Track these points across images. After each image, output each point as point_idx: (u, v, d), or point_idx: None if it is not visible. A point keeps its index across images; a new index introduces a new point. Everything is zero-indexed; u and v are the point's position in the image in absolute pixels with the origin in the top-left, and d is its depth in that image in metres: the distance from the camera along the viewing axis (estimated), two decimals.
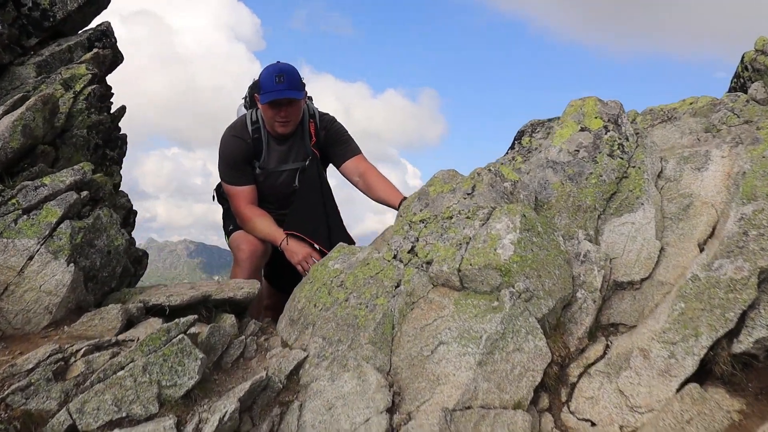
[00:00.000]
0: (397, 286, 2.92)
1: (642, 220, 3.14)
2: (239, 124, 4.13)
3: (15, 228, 2.92)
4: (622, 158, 3.40)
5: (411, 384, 2.57)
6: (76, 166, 3.14)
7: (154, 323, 2.96)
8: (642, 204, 3.20)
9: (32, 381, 2.38)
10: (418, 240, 3.08)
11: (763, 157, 3.06)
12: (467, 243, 2.89)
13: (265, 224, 3.99)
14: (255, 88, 4.26)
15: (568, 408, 2.59)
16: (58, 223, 3.00)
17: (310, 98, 4.47)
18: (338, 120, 4.33)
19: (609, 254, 3.07)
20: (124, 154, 4.79)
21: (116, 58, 4.35)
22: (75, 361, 2.52)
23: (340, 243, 3.43)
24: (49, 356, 2.48)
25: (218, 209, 4.60)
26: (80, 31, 4.34)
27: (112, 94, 4.39)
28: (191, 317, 2.69)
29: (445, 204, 3.15)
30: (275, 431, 2.54)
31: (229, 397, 2.51)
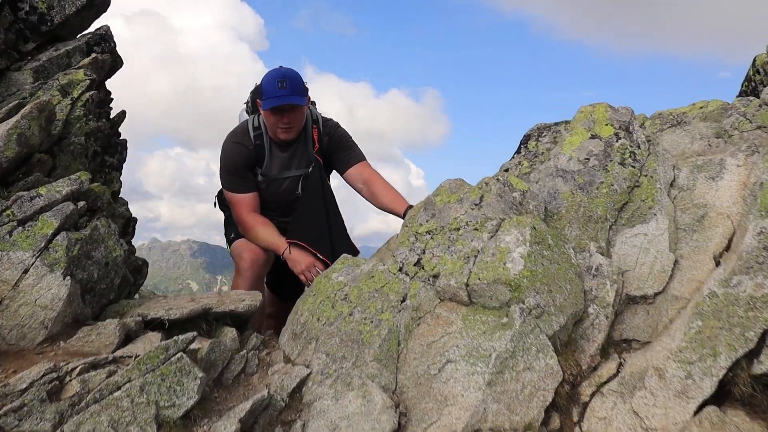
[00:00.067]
0: (403, 300, 2.83)
1: (655, 231, 3.05)
2: (241, 130, 4.04)
3: (10, 240, 2.83)
4: (633, 167, 3.30)
5: (418, 404, 2.48)
6: (72, 176, 3.05)
7: (153, 338, 2.88)
8: (655, 214, 3.11)
9: (26, 402, 2.29)
10: (424, 252, 2.99)
11: None
12: (475, 256, 2.80)
13: (267, 233, 3.91)
14: (257, 93, 4.17)
15: (580, 428, 2.50)
16: (54, 234, 2.91)
17: (314, 103, 4.39)
18: (342, 125, 4.25)
19: (621, 267, 2.98)
20: (124, 160, 4.71)
21: (116, 63, 4.27)
22: (70, 381, 2.43)
23: (344, 255, 3.34)
24: (43, 375, 2.39)
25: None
26: (79, 36, 4.25)
27: (112, 99, 4.30)
28: (190, 334, 2.60)
29: (452, 215, 3.06)
30: None
31: (230, 417, 2.43)
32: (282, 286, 4.56)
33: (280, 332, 3.30)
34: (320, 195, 3.98)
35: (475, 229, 2.92)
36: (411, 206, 3.82)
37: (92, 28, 4.29)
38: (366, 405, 2.47)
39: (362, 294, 2.95)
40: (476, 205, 3.04)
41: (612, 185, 3.22)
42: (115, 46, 4.27)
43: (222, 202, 4.36)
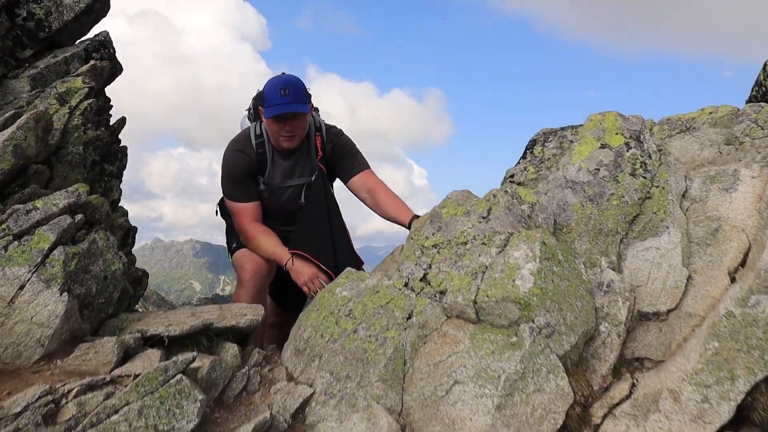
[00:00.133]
0: (409, 317, 2.76)
1: (667, 245, 2.97)
2: (242, 138, 3.97)
3: (5, 255, 2.76)
4: (644, 177, 3.22)
5: (424, 428, 2.41)
6: (70, 188, 2.98)
7: (152, 355, 2.80)
8: (667, 227, 3.03)
9: (20, 426, 2.22)
10: (430, 267, 2.91)
11: None
12: (483, 272, 2.73)
13: (269, 243, 3.83)
14: (259, 99, 4.10)
15: None
16: (51, 249, 2.84)
17: (316, 109, 4.31)
18: (345, 129, 4.17)
19: (633, 282, 2.90)
20: (125, 167, 4.63)
21: (115, 69, 4.19)
22: (66, 403, 2.36)
23: (348, 268, 3.26)
24: (38, 398, 2.32)
25: None
26: (77, 42, 4.17)
27: (111, 106, 4.23)
28: (190, 355, 2.53)
29: (459, 228, 2.98)
30: None
31: None
32: (285, 297, 4.49)
33: (283, 347, 3.22)
34: (323, 204, 3.91)
35: (483, 243, 2.85)
36: (416, 216, 3.74)
37: (91, 34, 4.21)
38: (371, 428, 2.40)
39: (367, 310, 2.88)
40: (484, 218, 2.97)
41: (623, 197, 3.14)
42: (114, 52, 4.18)
43: (224, 210, 4.29)
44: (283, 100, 3.64)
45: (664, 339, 2.72)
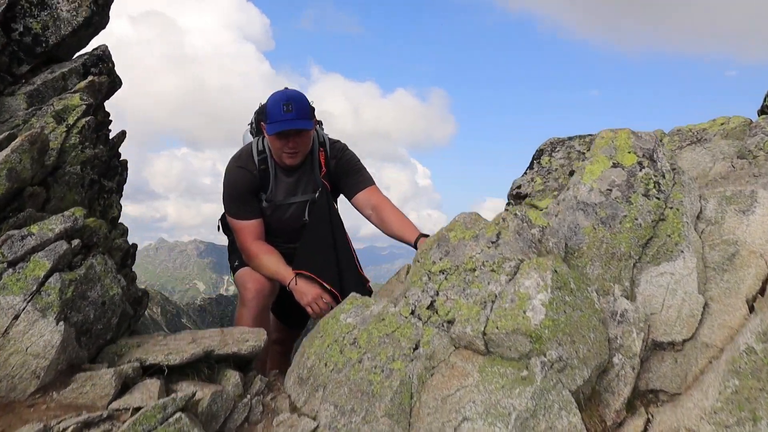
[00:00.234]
0: (416, 348, 2.67)
1: (682, 270, 2.87)
2: (245, 154, 3.88)
3: None
4: (658, 198, 3.12)
5: None
6: (66, 213, 2.89)
7: (151, 386, 2.72)
8: (682, 251, 2.93)
9: None
10: (437, 294, 2.82)
11: None
12: (493, 301, 2.63)
13: (272, 262, 3.75)
14: (261, 113, 4.01)
15: None
16: (47, 276, 2.75)
17: (320, 123, 4.22)
18: (349, 147, 4.08)
19: (646, 309, 2.81)
20: (125, 181, 4.55)
21: (114, 83, 4.09)
22: None
23: (353, 294, 3.18)
24: None
25: None
26: (75, 56, 4.08)
27: (110, 121, 4.15)
28: (189, 391, 2.45)
29: (468, 253, 2.88)
30: None
31: None
32: (288, 314, 4.41)
33: (286, 372, 3.14)
34: (327, 222, 3.82)
35: (492, 270, 2.75)
36: (422, 234, 3.65)
37: (90, 47, 4.12)
38: None
39: (372, 339, 2.79)
40: (493, 242, 2.87)
41: (636, 219, 3.04)
42: (113, 66, 4.09)
43: (226, 226, 4.21)
44: (286, 116, 3.55)
45: (680, 370, 2.63)
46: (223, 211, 4.12)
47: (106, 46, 4.10)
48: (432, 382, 2.55)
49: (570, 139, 5.60)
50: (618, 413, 2.49)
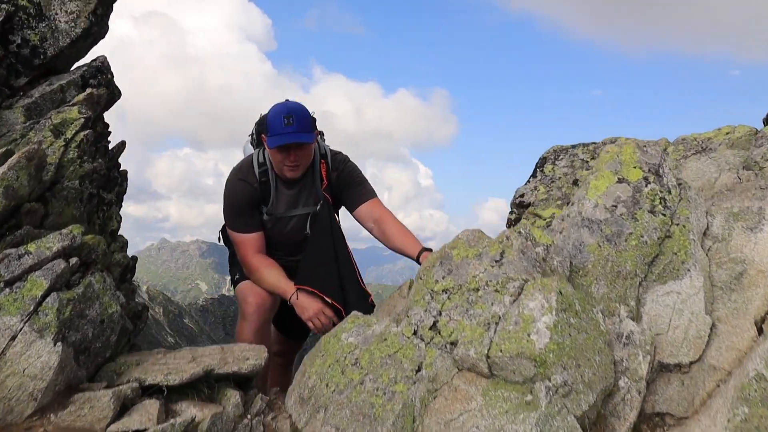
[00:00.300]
0: (418, 370, 2.62)
1: (689, 289, 2.83)
2: (245, 166, 3.84)
3: None
4: (664, 215, 3.08)
5: None
6: (64, 231, 2.85)
7: (150, 407, 2.68)
8: (688, 270, 2.89)
9: None
10: (440, 314, 2.78)
11: None
12: (496, 323, 2.59)
13: (273, 276, 3.71)
14: (262, 124, 3.97)
15: None
16: (44, 296, 2.72)
17: (321, 133, 4.18)
18: (351, 159, 4.04)
19: (653, 329, 2.77)
20: (125, 192, 4.52)
21: (113, 95, 4.05)
22: None
23: (354, 312, 3.14)
24: None
25: None
26: (74, 68, 4.04)
27: (110, 132, 4.11)
28: (189, 415, 2.41)
29: (471, 272, 2.84)
30: None
31: None
32: (289, 327, 4.38)
33: (287, 391, 3.10)
34: (329, 235, 3.78)
35: (496, 290, 2.71)
36: (424, 249, 3.62)
37: (89, 58, 4.08)
38: None
39: (374, 359, 2.75)
40: (497, 261, 2.83)
41: (642, 236, 3.00)
42: (112, 77, 4.04)
43: (227, 237, 4.17)
44: (287, 129, 3.51)
45: (687, 393, 2.59)
46: (224, 221, 4.09)
47: (105, 57, 4.06)
48: (435, 405, 2.51)
49: (573, 147, 5.56)
50: None
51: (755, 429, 2.18)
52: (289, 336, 4.47)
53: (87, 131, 3.38)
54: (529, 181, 5.50)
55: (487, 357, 2.50)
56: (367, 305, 3.67)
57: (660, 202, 3.11)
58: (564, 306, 2.55)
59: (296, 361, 4.48)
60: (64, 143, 3.27)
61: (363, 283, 3.79)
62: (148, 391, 2.81)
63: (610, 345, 2.61)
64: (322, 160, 3.90)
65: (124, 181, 4.47)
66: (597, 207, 3.14)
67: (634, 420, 2.48)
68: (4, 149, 2.93)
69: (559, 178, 5.26)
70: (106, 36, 4.28)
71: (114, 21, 4.35)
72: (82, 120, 3.38)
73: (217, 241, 4.24)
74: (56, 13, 3.85)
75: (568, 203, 4.97)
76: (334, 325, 3.57)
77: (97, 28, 4.02)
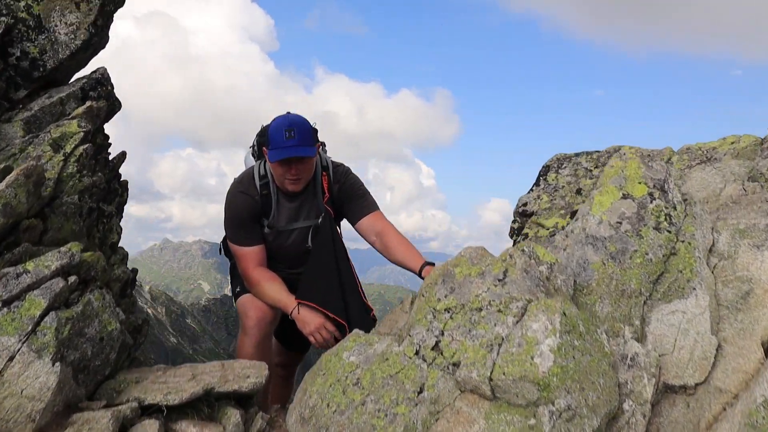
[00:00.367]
0: (420, 391, 2.59)
1: (694, 309, 2.80)
2: (246, 179, 3.82)
3: None
4: (669, 231, 3.04)
5: None
6: (63, 249, 2.83)
7: (150, 428, 2.66)
8: (694, 288, 2.85)
9: None
10: (443, 334, 2.75)
11: None
12: (499, 345, 2.56)
13: (274, 289, 3.68)
14: (263, 136, 3.94)
15: None
16: (43, 316, 2.69)
17: (323, 144, 4.15)
18: (353, 171, 4.01)
19: (657, 349, 2.73)
20: (125, 202, 4.50)
21: (113, 107, 4.02)
22: None
23: (356, 331, 3.11)
24: None
25: None
26: (74, 80, 4.01)
27: (110, 144, 4.08)
28: None
29: (474, 291, 2.81)
30: None
31: None
32: (290, 340, 4.35)
33: (288, 409, 3.08)
34: (331, 249, 3.75)
35: (499, 311, 2.68)
36: (427, 263, 3.59)
37: (89, 69, 4.05)
38: None
39: (375, 379, 2.72)
40: (500, 280, 2.80)
41: (647, 254, 2.96)
42: (112, 88, 4.01)
43: (228, 249, 4.14)
44: (288, 143, 3.48)
45: (693, 416, 2.55)
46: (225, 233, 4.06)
47: (105, 69, 4.03)
48: (437, 428, 2.48)
49: (577, 155, 5.52)
50: None
51: None
52: (291, 348, 4.44)
53: (86, 145, 3.35)
54: (532, 190, 5.47)
55: (490, 379, 2.48)
56: (369, 319, 3.64)
57: (665, 219, 3.08)
58: (568, 328, 2.52)
59: (297, 379, 4.45)
60: (63, 158, 3.24)
61: (365, 296, 3.76)
62: (147, 410, 2.79)
63: (615, 367, 2.58)
64: (324, 173, 3.87)
65: (125, 191, 4.45)
66: (601, 224, 3.10)
67: None
68: (2, 165, 2.91)
69: (563, 187, 5.22)
70: (108, 35, 4.25)
71: (116, 21, 4.32)
72: (82, 134, 3.35)
73: (219, 242, 4.21)
74: (56, 25, 3.82)
75: (571, 213, 4.94)
76: (336, 339, 3.54)
77: (97, 38, 3.99)
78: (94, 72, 4.03)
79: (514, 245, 5.32)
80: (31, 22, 3.74)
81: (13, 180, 2.76)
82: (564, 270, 2.92)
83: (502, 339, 2.58)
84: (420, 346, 2.76)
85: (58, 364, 2.64)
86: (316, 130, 3.76)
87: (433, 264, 3.57)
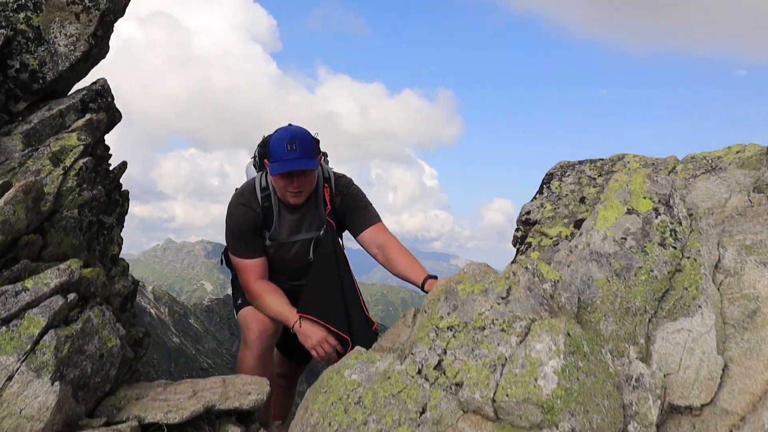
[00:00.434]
0: (423, 411, 2.56)
1: (700, 327, 2.76)
2: (248, 191, 3.79)
3: None
4: (675, 247, 3.01)
5: None
6: (62, 266, 2.81)
7: None
8: (699, 306, 2.82)
9: None
10: (445, 353, 2.71)
11: None
12: (503, 365, 2.53)
13: (276, 302, 3.66)
14: (264, 146, 3.92)
15: None
16: (42, 334, 2.67)
17: (325, 154, 4.13)
18: (355, 182, 3.98)
19: (663, 368, 2.70)
20: (126, 212, 4.47)
21: (113, 118, 3.99)
22: None
23: (357, 348, 3.08)
24: None
25: None
26: (73, 91, 3.98)
27: (110, 155, 4.06)
28: None
29: (477, 309, 2.78)
30: None
31: None
32: (292, 355, 4.33)
33: (289, 426, 3.05)
34: (333, 261, 3.73)
35: (502, 330, 2.65)
36: (429, 276, 3.56)
37: (89, 80, 4.02)
38: None
39: (377, 398, 2.69)
40: (503, 298, 2.77)
41: (652, 271, 2.93)
42: (112, 100, 3.98)
43: (229, 260, 4.12)
44: (290, 156, 3.45)
45: None
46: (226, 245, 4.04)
47: (105, 80, 4.00)
48: None
49: (580, 163, 5.48)
50: None
51: None
52: (293, 359, 4.42)
53: (86, 158, 3.32)
54: (535, 198, 5.43)
55: (493, 401, 2.44)
56: (371, 333, 3.62)
57: (670, 234, 3.05)
58: (572, 348, 2.49)
59: (299, 393, 4.43)
60: (62, 171, 3.22)
61: (367, 309, 3.73)
62: (148, 429, 2.77)
63: (619, 388, 2.55)
64: (326, 184, 3.85)
65: (126, 201, 4.42)
66: (606, 239, 3.07)
67: None
68: (1, 181, 2.88)
69: (566, 195, 5.19)
70: (109, 45, 4.23)
71: (119, 22, 4.29)
72: (82, 147, 3.32)
73: (222, 242, 4.18)
74: (55, 37, 3.79)
75: (574, 222, 4.90)
76: (338, 353, 3.52)
77: (97, 49, 3.96)
78: (94, 83, 4.00)
79: (517, 253, 5.30)
80: (30, 34, 3.71)
81: (11, 197, 2.74)
82: (568, 287, 2.88)
83: (506, 359, 2.55)
84: (422, 365, 2.73)
85: (57, 383, 2.62)
86: (318, 141, 3.74)
87: (435, 277, 3.55)
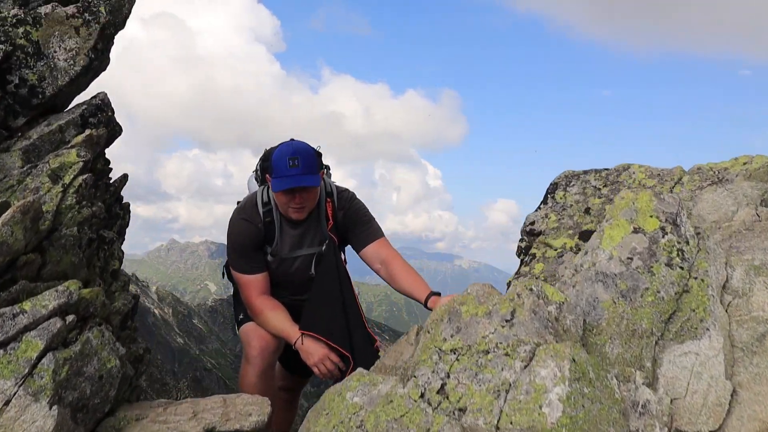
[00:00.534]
0: None
1: (708, 350, 2.71)
2: (249, 205, 3.75)
3: None
4: (682, 268, 2.96)
5: None
6: (60, 287, 2.77)
7: None
8: (707, 329, 2.77)
9: None
10: (449, 376, 2.67)
11: None
12: (507, 391, 2.49)
13: (278, 319, 3.62)
14: (266, 160, 3.88)
15: None
16: (40, 357, 2.63)
17: (327, 167, 4.09)
18: (357, 197, 3.94)
19: (670, 393, 2.65)
20: (127, 224, 4.44)
21: (114, 132, 3.96)
22: None
23: (359, 370, 3.04)
24: None
25: None
26: (73, 105, 3.94)
27: (110, 169, 4.03)
28: None
29: (480, 332, 2.74)
30: None
31: None
32: (293, 369, 4.29)
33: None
34: (335, 277, 3.69)
35: (506, 354, 2.61)
36: (433, 293, 3.51)
37: (89, 93, 3.98)
38: None
39: (380, 423, 2.65)
40: (507, 321, 2.72)
41: (658, 292, 2.88)
42: (112, 114, 3.94)
43: (231, 275, 4.08)
44: (292, 172, 3.42)
45: None
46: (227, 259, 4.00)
47: (105, 94, 3.96)
48: None
49: (585, 173, 5.44)
50: None
51: None
52: (295, 373, 4.39)
53: (86, 175, 3.29)
54: (539, 208, 5.39)
55: (497, 428, 2.40)
56: (372, 350, 3.58)
57: (677, 254, 3.00)
58: (577, 375, 2.45)
59: (301, 406, 4.39)
60: (62, 189, 3.18)
61: (368, 326, 3.70)
62: None
63: (626, 414, 2.51)
64: (328, 199, 3.81)
65: (127, 213, 4.39)
66: (612, 259, 3.02)
67: None
68: (1, 201, 2.85)
69: (571, 206, 5.14)
70: (109, 57, 4.20)
71: (118, 36, 4.26)
72: (81, 163, 3.29)
73: (225, 243, 4.13)
74: (55, 51, 3.75)
75: (579, 233, 4.85)
76: (340, 370, 3.49)
77: (97, 62, 3.92)
78: (94, 97, 3.96)
79: (521, 264, 5.25)
80: (29, 49, 3.67)
81: (9, 217, 2.70)
82: (573, 309, 2.84)
83: (510, 385, 2.50)
84: (425, 389, 2.69)
85: (55, 406, 2.59)
86: (320, 155, 3.70)
87: (438, 294, 3.51)
